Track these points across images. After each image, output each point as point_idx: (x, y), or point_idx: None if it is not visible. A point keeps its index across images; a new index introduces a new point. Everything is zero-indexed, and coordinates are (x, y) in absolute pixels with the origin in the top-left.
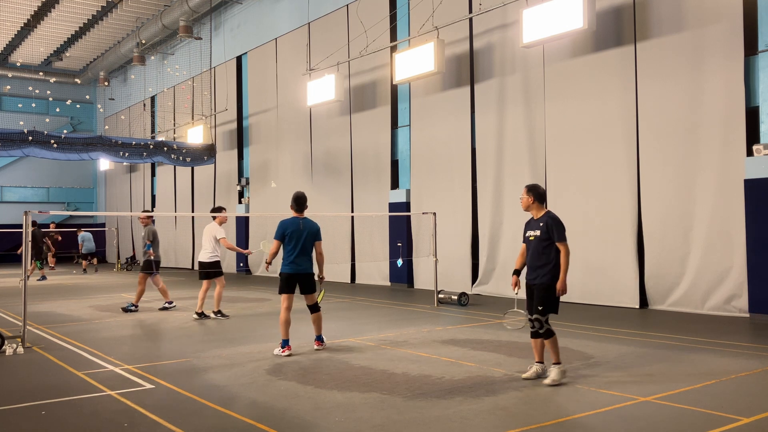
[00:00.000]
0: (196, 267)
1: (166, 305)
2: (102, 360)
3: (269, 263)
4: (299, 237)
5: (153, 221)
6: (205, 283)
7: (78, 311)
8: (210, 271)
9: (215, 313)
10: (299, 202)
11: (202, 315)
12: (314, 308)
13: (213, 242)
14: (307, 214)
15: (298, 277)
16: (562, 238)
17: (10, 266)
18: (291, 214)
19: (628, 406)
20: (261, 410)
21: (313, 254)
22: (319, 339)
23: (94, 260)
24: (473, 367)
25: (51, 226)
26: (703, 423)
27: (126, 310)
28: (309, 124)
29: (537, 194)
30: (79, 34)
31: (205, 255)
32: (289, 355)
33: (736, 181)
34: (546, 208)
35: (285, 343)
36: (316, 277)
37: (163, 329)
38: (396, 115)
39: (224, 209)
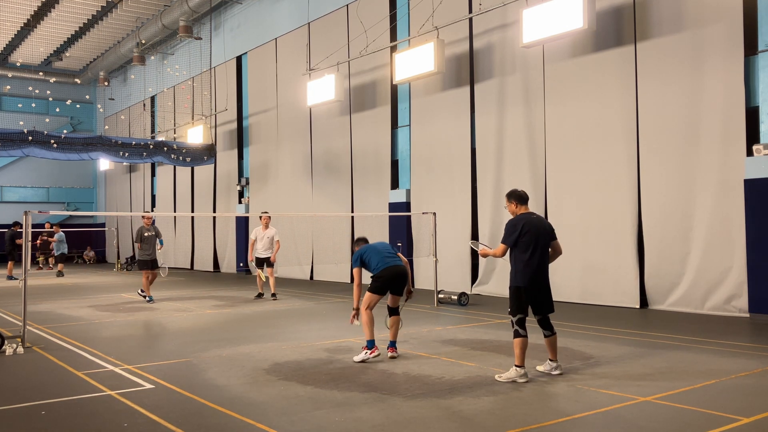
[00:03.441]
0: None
1: (146, 296)
2: (102, 360)
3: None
4: (378, 248)
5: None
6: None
7: (78, 311)
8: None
9: (272, 295)
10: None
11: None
12: (395, 311)
13: (272, 241)
14: (306, 214)
15: (398, 277)
16: (502, 241)
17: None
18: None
19: (628, 406)
20: (261, 410)
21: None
22: (393, 345)
23: (60, 266)
24: (473, 367)
25: (46, 225)
26: (703, 423)
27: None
28: (309, 124)
29: (516, 197)
30: (79, 34)
31: (265, 251)
32: (377, 355)
33: (736, 181)
34: (527, 209)
35: (371, 344)
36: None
37: (163, 329)
38: (396, 115)
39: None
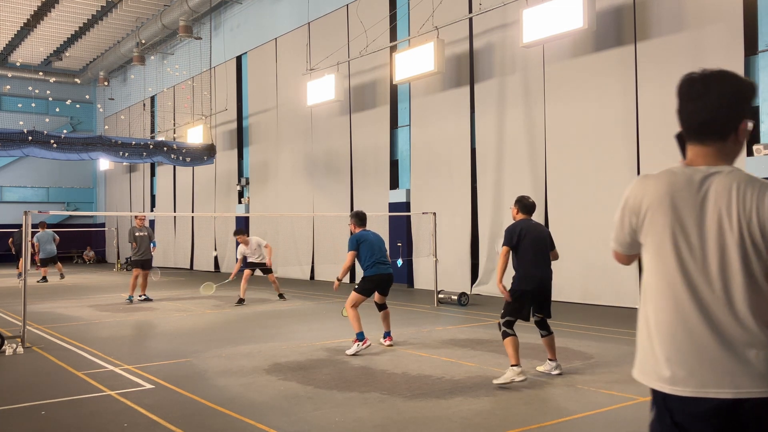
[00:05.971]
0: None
1: (135, 296)
2: (102, 360)
3: (340, 280)
4: (373, 243)
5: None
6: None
7: (78, 311)
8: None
9: (280, 296)
10: (362, 217)
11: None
12: (384, 306)
13: (260, 248)
14: (306, 214)
15: (387, 282)
16: (504, 244)
17: (9, 266)
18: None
19: (628, 406)
20: (261, 410)
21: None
22: (389, 335)
23: (58, 266)
24: (473, 367)
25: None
26: None
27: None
28: (309, 124)
29: (521, 205)
30: (79, 34)
31: (258, 259)
32: (368, 346)
33: None
34: (528, 218)
35: (361, 336)
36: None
37: (163, 329)
38: (396, 115)
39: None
